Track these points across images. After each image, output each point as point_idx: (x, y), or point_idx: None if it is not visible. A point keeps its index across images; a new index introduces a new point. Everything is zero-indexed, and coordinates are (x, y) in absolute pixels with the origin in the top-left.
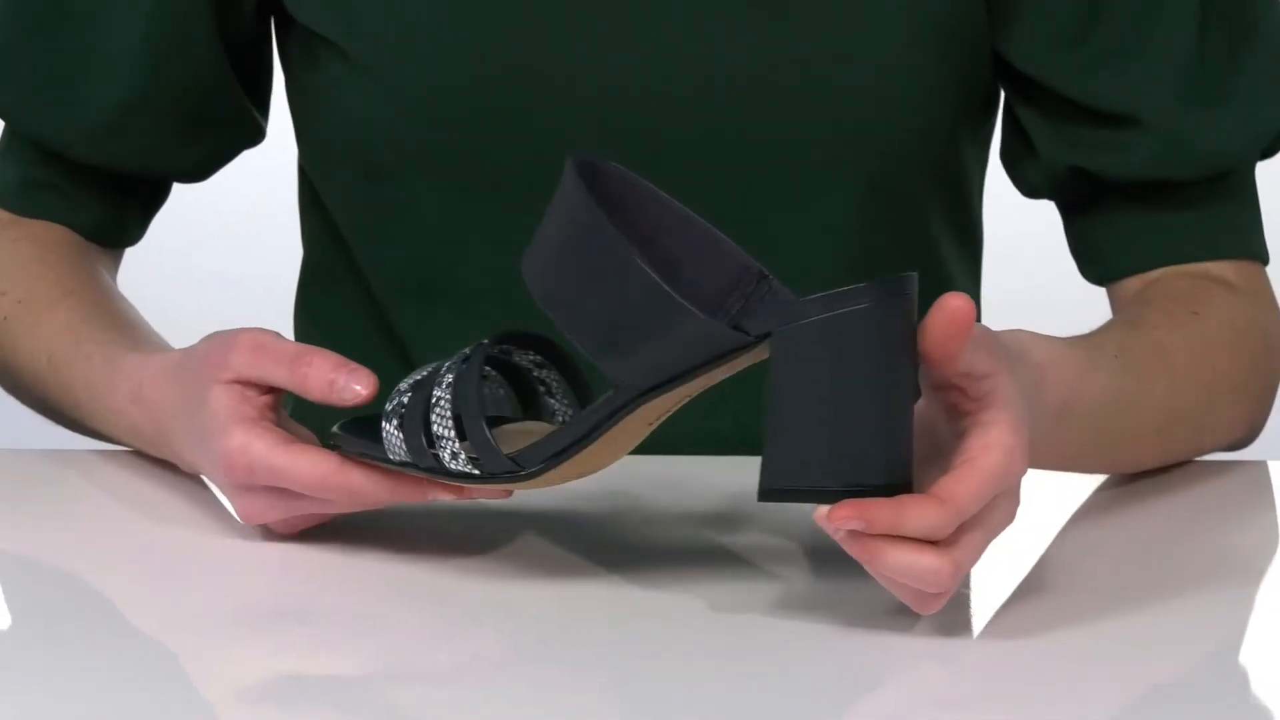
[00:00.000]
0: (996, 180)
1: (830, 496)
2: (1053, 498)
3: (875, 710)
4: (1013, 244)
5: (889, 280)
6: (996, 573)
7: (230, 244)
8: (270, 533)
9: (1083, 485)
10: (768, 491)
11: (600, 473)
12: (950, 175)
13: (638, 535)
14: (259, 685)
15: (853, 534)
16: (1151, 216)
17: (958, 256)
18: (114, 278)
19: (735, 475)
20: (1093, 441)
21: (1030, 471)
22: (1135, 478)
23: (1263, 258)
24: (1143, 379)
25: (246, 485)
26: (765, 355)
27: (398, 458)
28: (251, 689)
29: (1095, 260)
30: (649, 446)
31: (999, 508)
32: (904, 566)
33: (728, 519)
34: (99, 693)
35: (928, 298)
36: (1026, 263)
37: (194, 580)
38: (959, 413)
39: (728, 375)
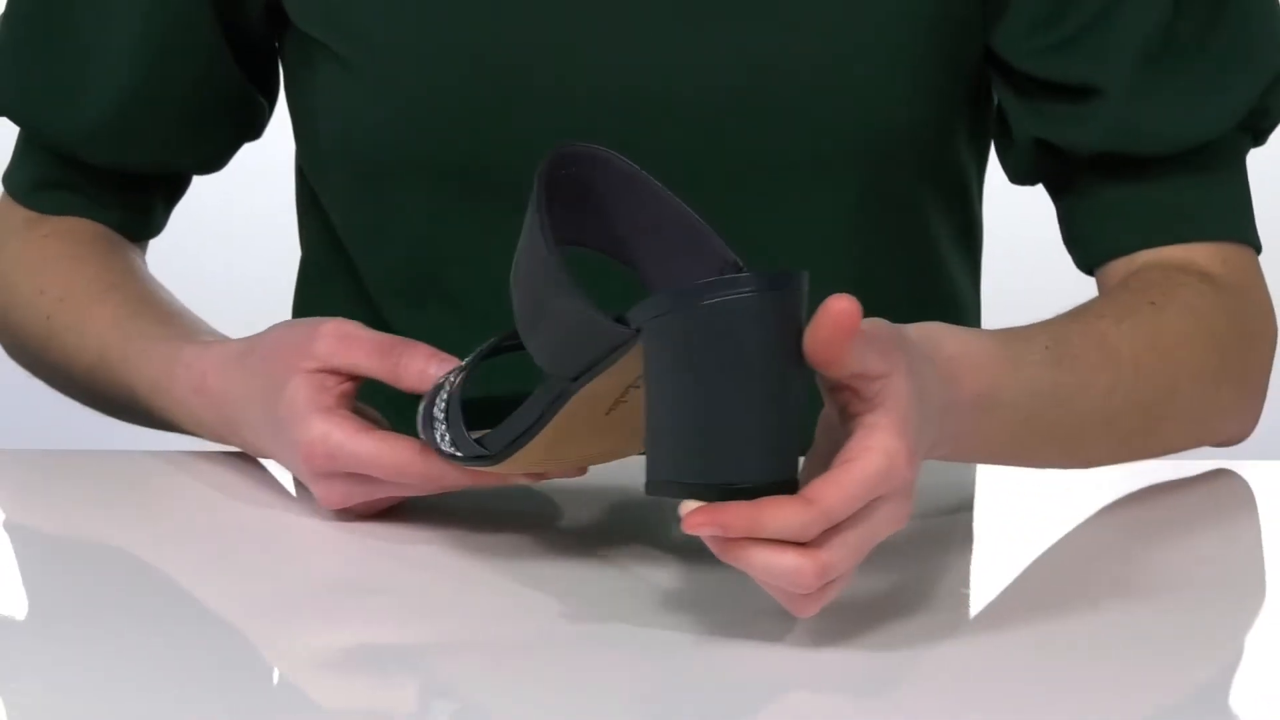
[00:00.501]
0: (996, 179)
1: (709, 493)
2: (1045, 503)
3: (878, 708)
4: (1012, 243)
5: (771, 273)
6: (988, 577)
7: (228, 244)
8: (343, 513)
9: (1073, 490)
10: (650, 485)
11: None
12: (948, 174)
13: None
14: (324, 656)
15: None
16: (1125, 194)
17: (957, 255)
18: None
19: None
20: (1026, 432)
21: (1023, 476)
22: (1127, 484)
23: (1251, 243)
24: (1079, 370)
25: (328, 472)
26: None
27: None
28: (316, 660)
29: (1078, 243)
30: None
31: (880, 510)
32: (764, 565)
33: None
34: (178, 667)
35: (927, 297)
36: (1026, 262)
37: (261, 559)
38: (849, 414)
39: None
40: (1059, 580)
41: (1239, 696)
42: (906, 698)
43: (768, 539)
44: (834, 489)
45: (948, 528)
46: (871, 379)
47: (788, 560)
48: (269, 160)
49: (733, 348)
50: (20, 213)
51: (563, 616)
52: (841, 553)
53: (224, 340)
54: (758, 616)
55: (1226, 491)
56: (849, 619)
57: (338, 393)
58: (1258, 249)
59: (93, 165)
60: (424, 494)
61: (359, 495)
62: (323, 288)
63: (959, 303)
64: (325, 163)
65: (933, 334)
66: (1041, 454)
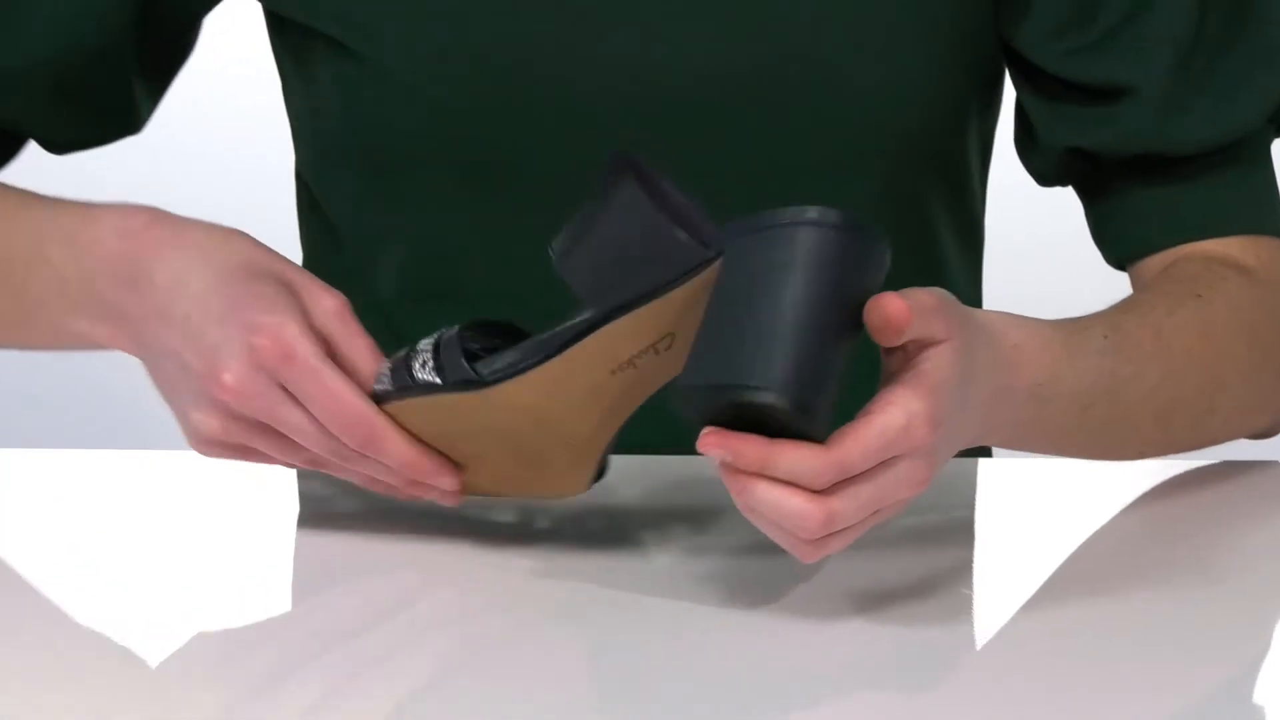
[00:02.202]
0: (997, 178)
1: (727, 393)
2: (1072, 493)
3: (880, 705)
4: (1014, 242)
5: (863, 224)
6: (992, 573)
7: None
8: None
9: (1104, 481)
10: (675, 392)
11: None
12: (954, 172)
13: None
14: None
15: (726, 464)
16: (1157, 193)
17: (960, 256)
18: None
19: None
20: (1082, 422)
21: (1027, 471)
22: (1132, 479)
23: (1277, 232)
24: (1135, 361)
25: (242, 393)
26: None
27: (381, 386)
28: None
29: (1110, 241)
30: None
31: (897, 468)
32: (771, 503)
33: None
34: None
35: None
36: (1028, 261)
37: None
38: (889, 373)
39: (692, 315)
40: (1065, 577)
41: (1250, 695)
42: (907, 697)
43: (778, 480)
44: (849, 439)
45: (949, 524)
46: (925, 345)
47: (794, 501)
48: (267, 165)
49: (795, 266)
50: None
51: (555, 612)
52: (851, 504)
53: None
54: (757, 615)
55: (1232, 487)
56: (847, 618)
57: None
58: None
59: None
60: (299, 463)
61: (238, 432)
62: (328, 282)
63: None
64: (330, 163)
65: (998, 322)
66: (1095, 445)
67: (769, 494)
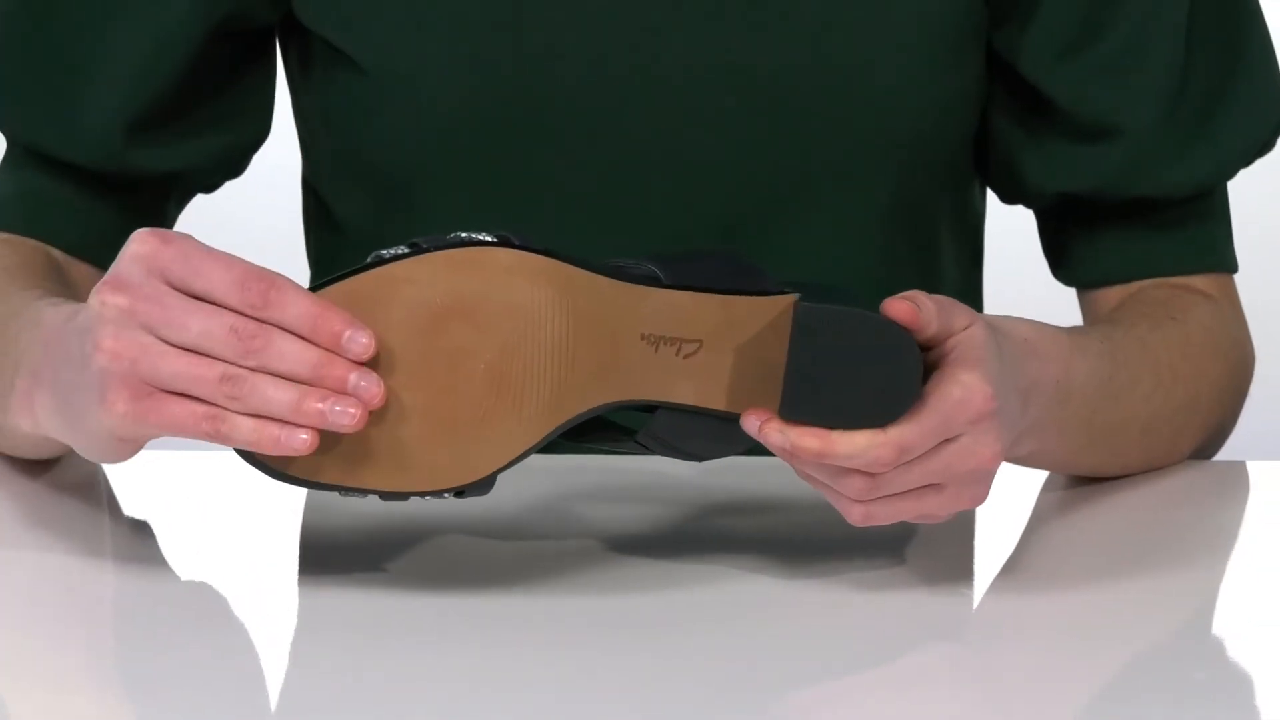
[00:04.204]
0: None
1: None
2: (1022, 495)
3: (879, 704)
4: (1014, 245)
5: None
6: (990, 576)
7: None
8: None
9: (1073, 488)
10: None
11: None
12: (960, 181)
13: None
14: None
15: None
16: (1126, 231)
17: (960, 260)
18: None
19: (751, 477)
20: (1086, 430)
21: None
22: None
23: (1233, 268)
24: (1130, 367)
25: (140, 292)
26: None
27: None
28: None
29: (1067, 266)
30: None
31: (958, 442)
32: (846, 443)
33: (746, 515)
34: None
35: None
36: (1028, 264)
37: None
38: (928, 368)
39: (730, 338)
40: (1065, 576)
41: (1245, 696)
42: (907, 695)
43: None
44: (907, 420)
45: (950, 524)
46: (956, 333)
47: (865, 437)
48: (274, 173)
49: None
50: None
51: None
52: (903, 472)
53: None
54: (754, 612)
55: (1229, 489)
56: (844, 615)
57: None
58: (1235, 270)
59: (88, 178)
60: (207, 393)
61: (140, 386)
62: None
63: None
64: (342, 175)
65: (1003, 320)
66: (1095, 454)
67: (845, 438)
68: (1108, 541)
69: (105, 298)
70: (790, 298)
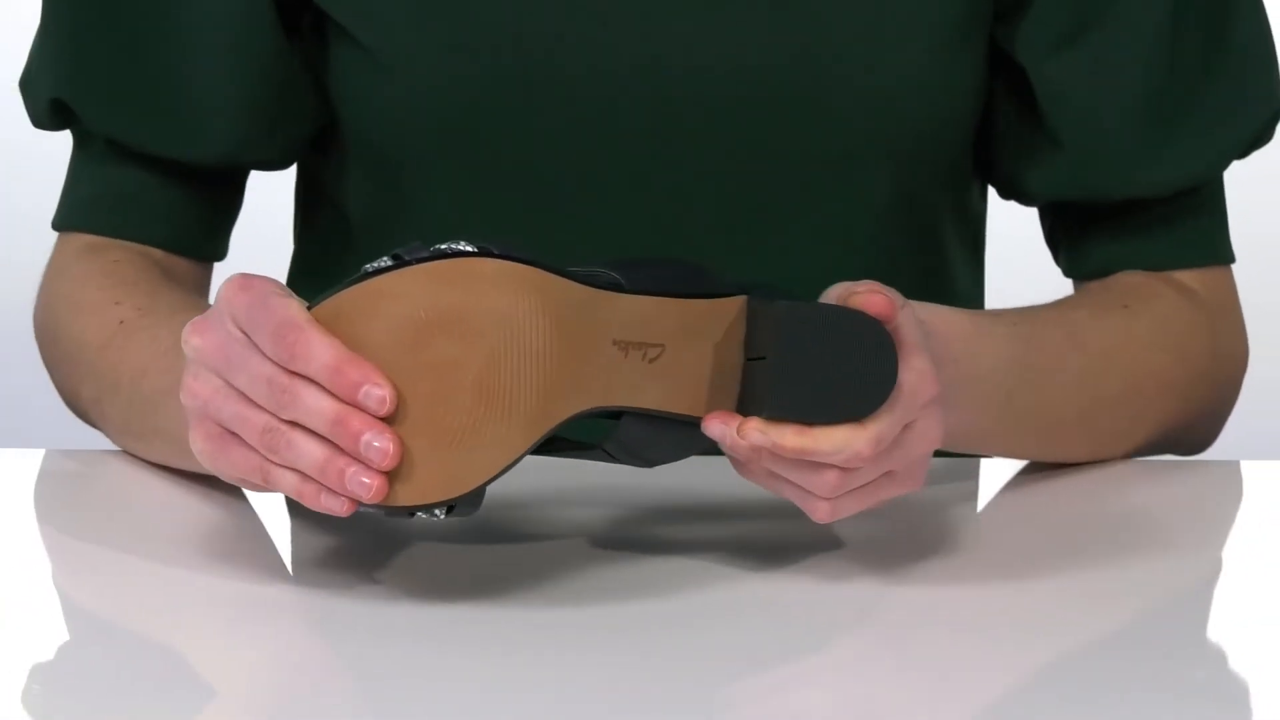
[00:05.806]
0: None
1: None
2: (1071, 493)
3: (879, 704)
4: (1014, 242)
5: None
6: (985, 574)
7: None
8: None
9: (1072, 487)
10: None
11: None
12: (960, 172)
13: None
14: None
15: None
16: (1115, 227)
17: (963, 255)
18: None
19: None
20: (1007, 413)
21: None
22: (1122, 481)
23: (1228, 259)
24: (1046, 353)
25: (203, 358)
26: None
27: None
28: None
29: (1066, 256)
30: None
31: (913, 428)
32: (827, 439)
33: (737, 517)
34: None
35: (933, 298)
36: (1028, 261)
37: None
38: None
39: (690, 342)
40: (1055, 578)
41: (1240, 696)
42: (906, 696)
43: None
44: (882, 413)
45: (950, 524)
46: (886, 320)
47: (843, 432)
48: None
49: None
50: (78, 241)
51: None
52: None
53: None
54: (752, 611)
55: (1223, 489)
56: (842, 616)
57: None
58: (1232, 261)
59: (161, 170)
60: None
61: (211, 424)
62: (319, 282)
63: (965, 303)
64: (340, 154)
65: (920, 311)
66: (1025, 439)
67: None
68: (1102, 541)
69: (187, 337)
70: (740, 299)
